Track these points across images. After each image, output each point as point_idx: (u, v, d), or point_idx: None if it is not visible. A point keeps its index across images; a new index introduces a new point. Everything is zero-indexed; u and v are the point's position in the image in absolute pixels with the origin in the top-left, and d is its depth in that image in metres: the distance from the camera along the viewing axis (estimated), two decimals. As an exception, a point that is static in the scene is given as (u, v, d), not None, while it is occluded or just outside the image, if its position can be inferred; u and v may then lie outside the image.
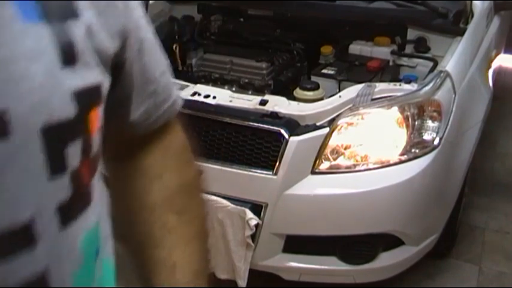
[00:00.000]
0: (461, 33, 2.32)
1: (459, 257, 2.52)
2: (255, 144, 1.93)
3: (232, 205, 1.95)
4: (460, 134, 2.15)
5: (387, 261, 2.07)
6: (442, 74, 2.08)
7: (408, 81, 2.07)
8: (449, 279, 2.40)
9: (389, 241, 2.04)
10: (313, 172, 1.94)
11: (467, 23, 2.39)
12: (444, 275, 2.43)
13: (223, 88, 2.29)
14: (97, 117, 0.60)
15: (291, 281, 2.10)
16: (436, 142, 1.98)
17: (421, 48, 2.40)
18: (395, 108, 1.96)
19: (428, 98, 2.00)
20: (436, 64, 2.23)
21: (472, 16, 2.43)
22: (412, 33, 2.44)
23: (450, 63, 2.14)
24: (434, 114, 2.00)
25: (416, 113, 1.98)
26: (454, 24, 2.36)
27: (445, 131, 2.00)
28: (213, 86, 2.28)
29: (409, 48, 2.45)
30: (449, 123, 2.03)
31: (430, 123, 2.00)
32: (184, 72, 2.55)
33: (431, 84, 2.02)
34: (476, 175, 2.78)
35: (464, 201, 2.52)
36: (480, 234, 2.69)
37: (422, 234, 2.12)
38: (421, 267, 2.30)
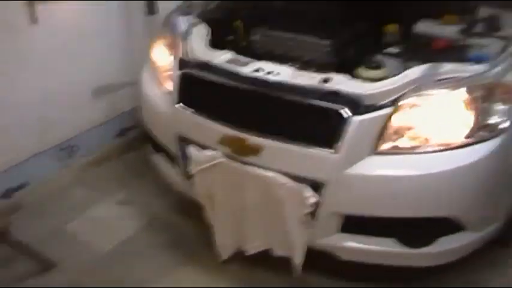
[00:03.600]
0: (539, 12, 2.21)
1: (522, 247, 2.45)
2: (317, 123, 1.93)
3: (292, 182, 1.96)
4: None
5: (445, 246, 2.03)
6: (514, 55, 1.99)
7: (477, 62, 1.99)
8: (510, 270, 2.34)
9: (449, 226, 2.00)
10: (374, 152, 1.92)
11: (546, 1, 2.27)
12: (505, 264, 2.36)
13: (286, 65, 2.28)
14: None
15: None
16: (504, 126, 1.91)
17: (493, 27, 2.30)
18: (462, 90, 1.90)
19: (498, 80, 1.92)
20: (508, 44, 2.14)
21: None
22: (484, 11, 2.34)
23: (524, 44, 2.05)
24: (504, 97, 1.93)
25: (485, 95, 1.91)
26: (532, 2, 2.25)
27: (514, 115, 1.93)
28: (276, 62, 2.28)
29: (479, 27, 2.36)
30: (520, 107, 1.95)
31: (499, 106, 1.92)
32: (247, 48, 2.56)
33: (501, 66, 1.95)
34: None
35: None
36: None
37: (483, 221, 2.07)
38: (482, 255, 2.24)
